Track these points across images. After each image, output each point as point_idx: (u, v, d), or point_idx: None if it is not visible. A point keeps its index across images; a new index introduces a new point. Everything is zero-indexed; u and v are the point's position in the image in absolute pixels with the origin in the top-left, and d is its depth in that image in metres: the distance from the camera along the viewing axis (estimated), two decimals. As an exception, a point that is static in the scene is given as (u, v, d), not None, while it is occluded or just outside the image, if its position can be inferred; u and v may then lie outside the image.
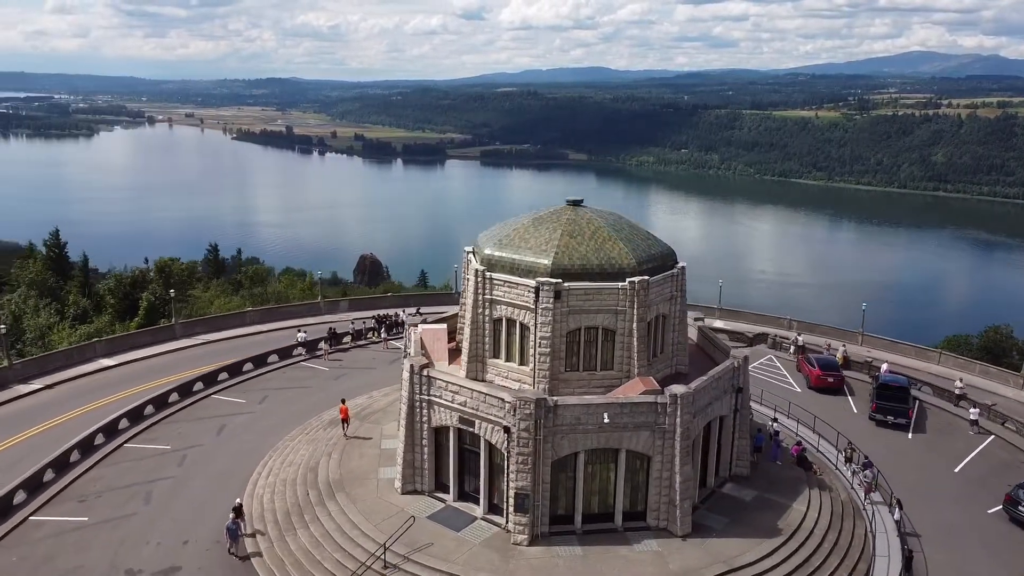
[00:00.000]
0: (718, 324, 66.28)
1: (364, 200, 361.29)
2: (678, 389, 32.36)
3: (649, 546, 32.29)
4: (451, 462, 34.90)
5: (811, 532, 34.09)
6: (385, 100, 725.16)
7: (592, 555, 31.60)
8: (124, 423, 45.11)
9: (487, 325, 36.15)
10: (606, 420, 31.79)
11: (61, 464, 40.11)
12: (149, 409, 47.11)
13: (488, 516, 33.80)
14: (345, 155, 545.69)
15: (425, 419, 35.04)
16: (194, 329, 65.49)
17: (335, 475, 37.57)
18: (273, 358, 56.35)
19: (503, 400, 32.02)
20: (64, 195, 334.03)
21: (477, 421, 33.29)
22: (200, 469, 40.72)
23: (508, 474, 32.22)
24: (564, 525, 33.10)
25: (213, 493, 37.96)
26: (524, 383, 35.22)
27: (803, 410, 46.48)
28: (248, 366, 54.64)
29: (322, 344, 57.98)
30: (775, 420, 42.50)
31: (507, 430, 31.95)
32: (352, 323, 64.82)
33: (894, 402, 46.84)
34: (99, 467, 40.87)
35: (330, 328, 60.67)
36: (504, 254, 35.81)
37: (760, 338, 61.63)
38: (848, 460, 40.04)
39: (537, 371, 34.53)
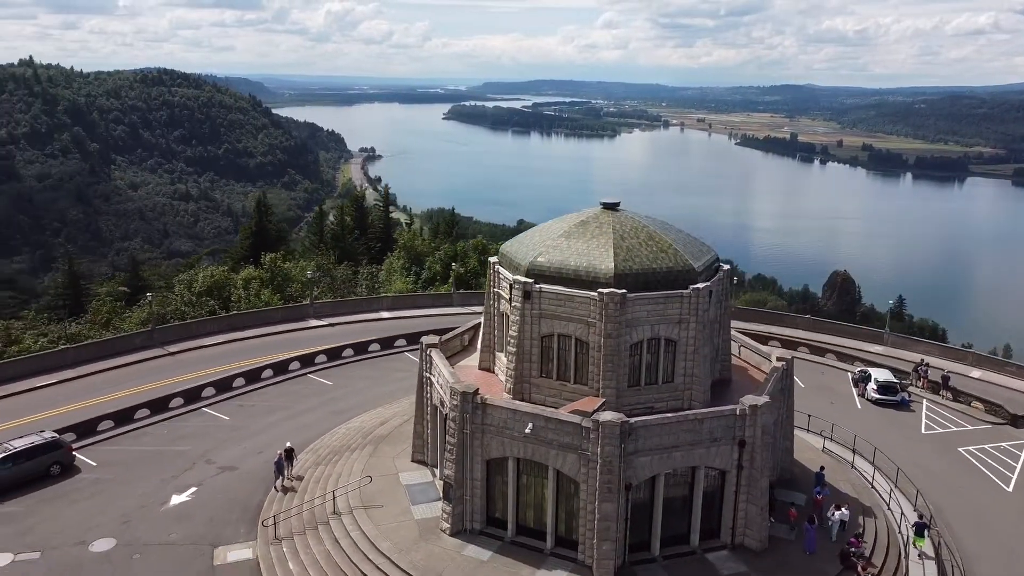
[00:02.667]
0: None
1: (859, 214, 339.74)
2: (605, 416, 28.79)
3: (556, 577, 29.63)
4: (439, 441, 36.13)
5: (759, 634, 27.23)
6: (906, 108, 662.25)
7: (492, 565, 30.35)
8: (321, 358, 55.03)
9: (495, 318, 36.06)
10: (528, 430, 30.00)
11: (252, 377, 51.33)
12: (348, 352, 56.38)
13: (448, 500, 34.36)
14: (847, 165, 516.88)
15: (428, 396, 36.80)
16: (471, 300, 73.94)
17: (385, 432, 41.52)
18: (480, 332, 61.36)
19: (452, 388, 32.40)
20: (586, 186, 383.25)
21: (445, 405, 34.06)
22: (329, 405, 48.18)
23: (448, 461, 32.57)
24: (499, 529, 32.10)
25: (313, 424, 44.96)
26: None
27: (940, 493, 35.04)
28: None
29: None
30: (839, 508, 32.95)
31: (446, 418, 32.34)
32: None
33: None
34: (276, 386, 51.18)
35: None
36: (510, 249, 35.28)
37: (1029, 418, 46.16)
38: None
39: (506, 370, 33.65)
